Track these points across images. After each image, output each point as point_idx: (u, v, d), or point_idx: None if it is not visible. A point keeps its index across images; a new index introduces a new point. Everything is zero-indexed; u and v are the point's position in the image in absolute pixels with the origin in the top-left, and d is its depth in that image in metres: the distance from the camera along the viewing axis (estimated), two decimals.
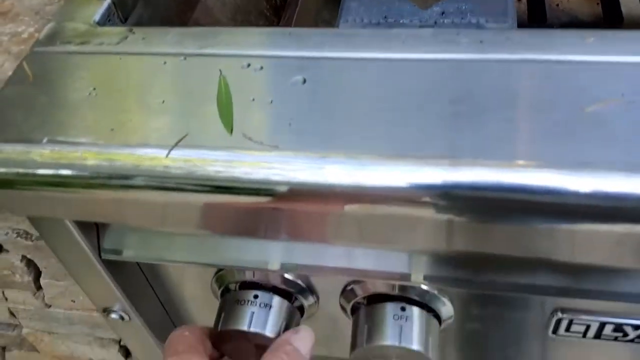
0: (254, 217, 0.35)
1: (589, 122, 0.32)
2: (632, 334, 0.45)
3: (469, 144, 0.32)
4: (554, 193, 0.30)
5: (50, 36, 0.43)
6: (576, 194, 0.30)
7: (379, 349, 0.44)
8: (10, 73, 0.41)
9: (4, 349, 0.86)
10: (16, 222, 0.58)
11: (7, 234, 0.60)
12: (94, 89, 0.38)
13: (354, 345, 0.46)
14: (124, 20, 0.48)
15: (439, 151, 0.32)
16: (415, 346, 0.43)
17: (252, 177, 0.33)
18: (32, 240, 0.60)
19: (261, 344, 0.45)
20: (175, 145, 0.34)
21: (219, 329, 0.45)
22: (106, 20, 0.46)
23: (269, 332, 0.45)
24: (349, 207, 0.33)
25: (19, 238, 0.60)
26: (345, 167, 0.32)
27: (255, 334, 0.44)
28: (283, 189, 0.33)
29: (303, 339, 0.43)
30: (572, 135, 0.32)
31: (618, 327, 0.45)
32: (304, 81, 0.36)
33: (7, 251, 0.63)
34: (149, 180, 0.33)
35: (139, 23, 0.50)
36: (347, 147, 0.33)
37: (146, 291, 0.52)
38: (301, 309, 0.50)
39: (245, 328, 0.44)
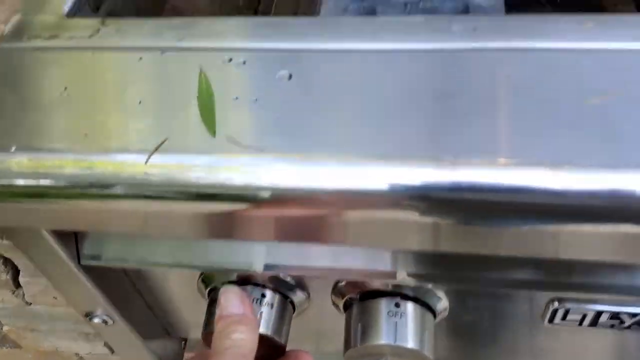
0: (239, 222, 0.33)
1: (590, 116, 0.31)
2: (628, 321, 0.45)
3: (458, 143, 0.31)
4: (551, 193, 0.29)
5: (16, 30, 0.40)
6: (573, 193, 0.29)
7: (374, 348, 0.43)
8: None
9: None
10: None
11: None
12: (65, 88, 0.35)
13: (347, 345, 0.44)
14: (95, 10, 0.46)
15: (425, 152, 0.31)
16: (411, 344, 0.42)
17: (235, 183, 0.31)
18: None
19: None
20: (155, 150, 0.31)
21: (207, 330, 0.44)
22: (76, 10, 0.43)
23: (261, 328, 0.43)
24: (337, 212, 0.31)
25: None
26: (333, 170, 0.30)
27: None
28: (270, 194, 0.31)
29: None
30: (574, 129, 0.30)
31: (614, 315, 0.44)
32: (290, 77, 0.34)
33: None
34: (129, 188, 0.31)
35: (112, 12, 0.47)
36: (334, 149, 0.31)
37: (130, 294, 0.50)
38: (293, 305, 0.48)
39: None
